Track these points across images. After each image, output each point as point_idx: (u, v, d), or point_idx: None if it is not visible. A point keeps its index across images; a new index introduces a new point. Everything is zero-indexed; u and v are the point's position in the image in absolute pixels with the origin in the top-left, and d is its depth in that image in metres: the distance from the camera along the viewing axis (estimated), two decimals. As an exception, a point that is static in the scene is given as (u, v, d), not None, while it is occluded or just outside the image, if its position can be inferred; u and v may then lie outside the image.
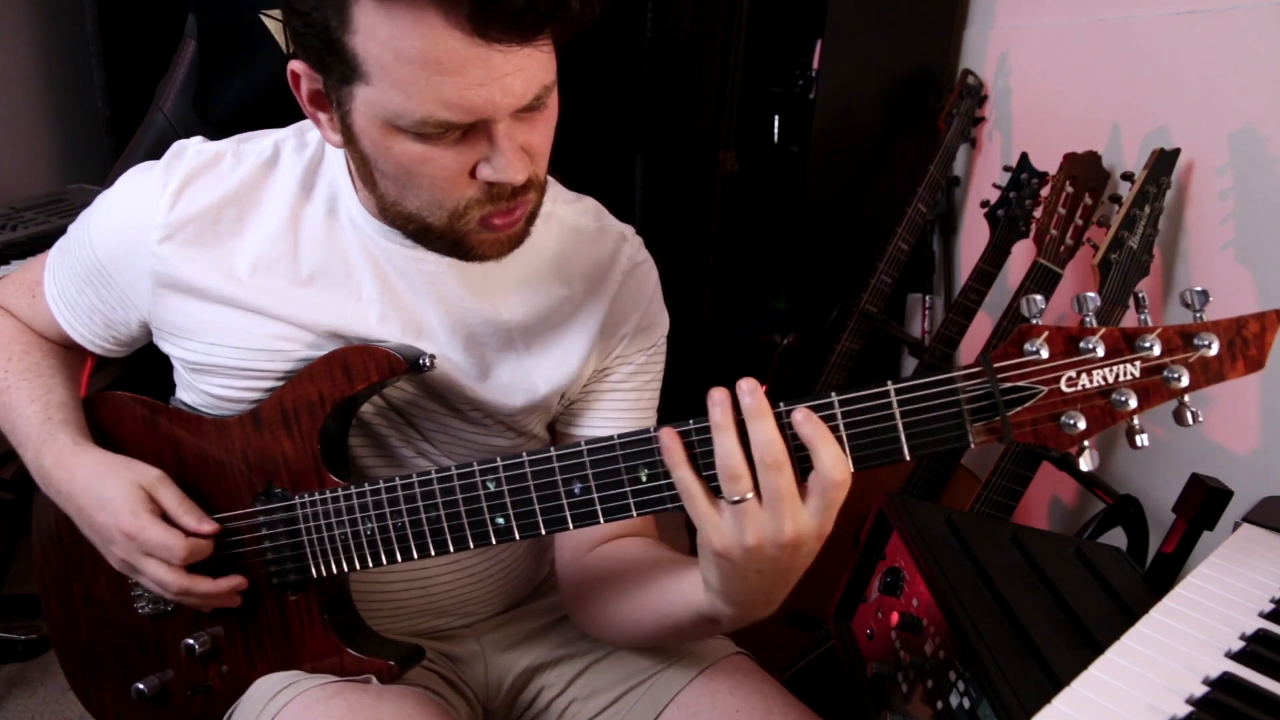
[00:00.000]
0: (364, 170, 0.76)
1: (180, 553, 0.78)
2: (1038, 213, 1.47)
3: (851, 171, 2.01)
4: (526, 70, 0.67)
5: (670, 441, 0.65)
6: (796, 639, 1.57)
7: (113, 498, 0.80)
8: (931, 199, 1.79)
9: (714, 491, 0.65)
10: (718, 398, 0.63)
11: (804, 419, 0.62)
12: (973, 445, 0.62)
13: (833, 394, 0.63)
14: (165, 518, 0.81)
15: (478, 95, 0.66)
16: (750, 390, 0.63)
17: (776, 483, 0.62)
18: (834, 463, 0.62)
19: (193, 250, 0.82)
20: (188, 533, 0.80)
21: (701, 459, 0.66)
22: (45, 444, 0.85)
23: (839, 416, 0.63)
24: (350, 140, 0.74)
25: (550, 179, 0.92)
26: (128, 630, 0.90)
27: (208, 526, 0.81)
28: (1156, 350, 0.59)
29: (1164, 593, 0.69)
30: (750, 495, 0.63)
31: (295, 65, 0.74)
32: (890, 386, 0.62)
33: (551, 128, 0.76)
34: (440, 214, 0.74)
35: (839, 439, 0.63)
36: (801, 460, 0.63)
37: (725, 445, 0.63)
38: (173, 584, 0.80)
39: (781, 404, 0.64)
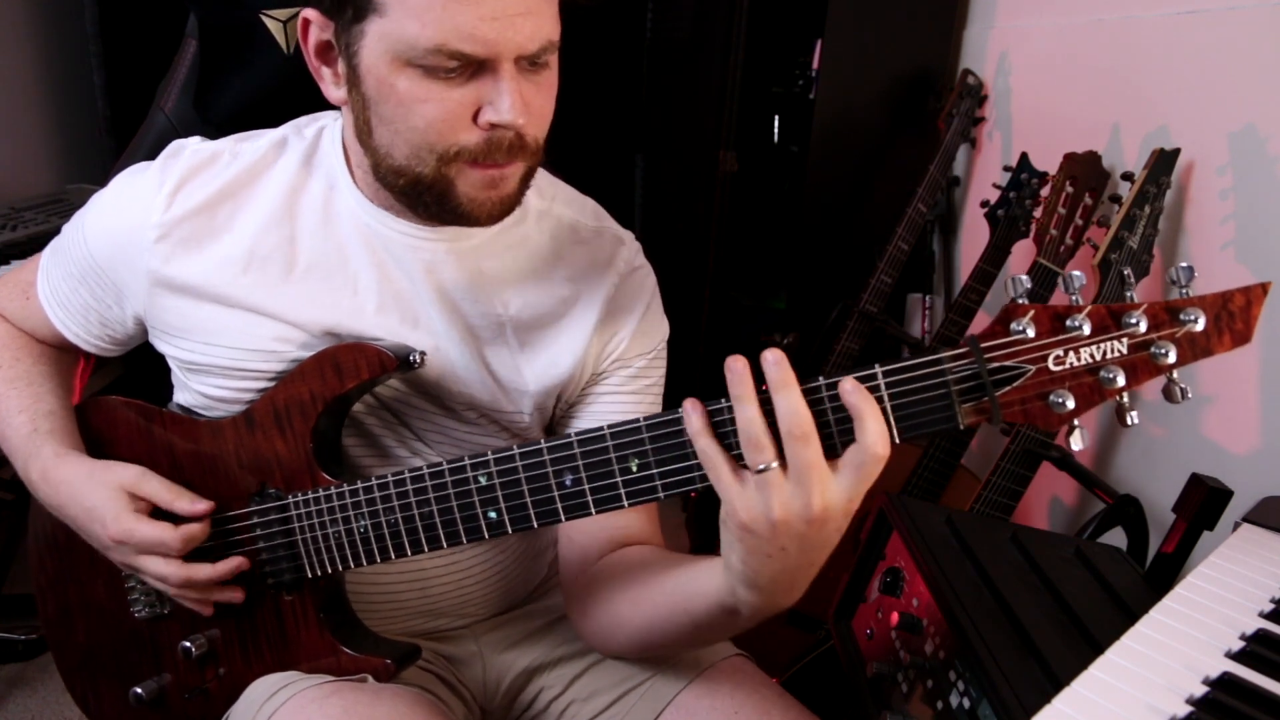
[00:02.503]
0: (362, 120, 0.76)
1: (175, 544, 0.78)
2: (1038, 213, 1.46)
3: (851, 171, 2.00)
4: (535, 15, 0.70)
5: (692, 410, 0.64)
6: (796, 639, 1.57)
7: (95, 506, 0.80)
8: (931, 199, 1.79)
9: (738, 463, 0.64)
10: (737, 369, 0.62)
11: (852, 389, 0.61)
12: (961, 426, 0.62)
13: (820, 379, 0.63)
14: (158, 511, 0.81)
15: (490, 28, 0.68)
16: (776, 361, 0.61)
17: (803, 454, 0.60)
18: (878, 436, 0.60)
19: (189, 249, 0.82)
20: (183, 519, 0.80)
21: (724, 436, 0.64)
22: (31, 457, 0.85)
23: (825, 401, 0.63)
24: (354, 85, 0.75)
25: (554, 178, 0.92)
26: (124, 634, 0.90)
27: (201, 505, 0.80)
28: (1143, 327, 0.59)
29: (1164, 593, 0.69)
30: (775, 464, 0.61)
31: (307, 13, 0.76)
32: (878, 369, 0.62)
33: (552, 95, 0.77)
34: (430, 159, 0.74)
35: (827, 423, 0.62)
36: (826, 436, 0.62)
37: (747, 414, 0.62)
38: (174, 576, 0.79)
39: (820, 379, 0.62)
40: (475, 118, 0.73)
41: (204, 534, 0.81)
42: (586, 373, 0.90)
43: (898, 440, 0.63)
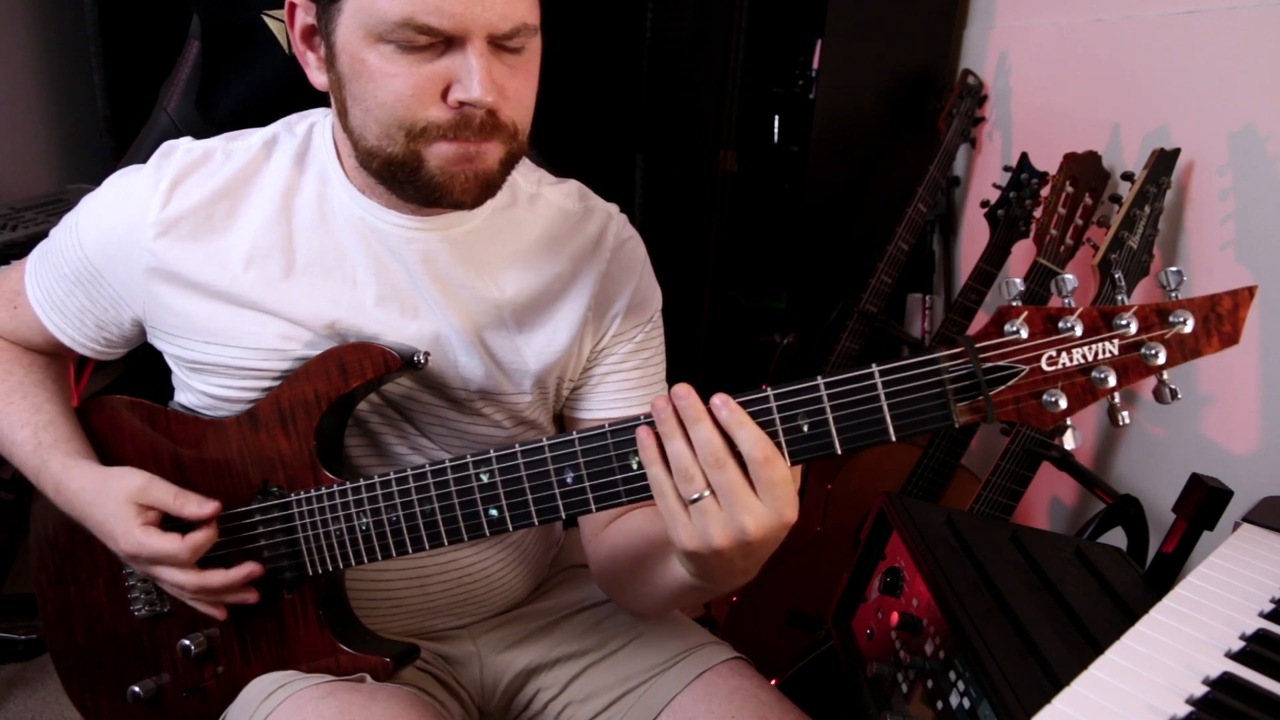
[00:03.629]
0: (339, 102, 0.77)
1: (184, 555, 0.79)
2: (1038, 213, 1.46)
3: (851, 171, 2.00)
4: None
5: (646, 438, 0.66)
6: (796, 639, 1.57)
7: (106, 520, 0.81)
8: (931, 199, 1.79)
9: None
10: (660, 405, 0.65)
11: (721, 404, 0.64)
12: (957, 424, 0.63)
13: (818, 377, 0.64)
14: (168, 518, 0.81)
15: (458, 3, 0.69)
16: (684, 395, 0.65)
17: (723, 479, 0.63)
18: (753, 441, 0.63)
19: (188, 245, 0.82)
20: (191, 522, 0.80)
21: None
22: (41, 472, 0.86)
23: (825, 399, 0.64)
24: (331, 65, 0.76)
25: (533, 164, 0.93)
26: (123, 633, 0.90)
27: (209, 508, 0.81)
28: (1133, 328, 0.60)
29: (1164, 593, 0.69)
30: (706, 493, 0.64)
31: None
32: (875, 368, 0.63)
33: (530, 82, 0.78)
34: (399, 135, 0.74)
35: (824, 421, 0.64)
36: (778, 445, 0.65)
37: (675, 448, 0.65)
38: (189, 584, 0.81)
39: (713, 398, 0.65)
40: (445, 96, 0.73)
41: (211, 540, 0.81)
42: (586, 349, 0.90)
43: (894, 438, 0.64)
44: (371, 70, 0.72)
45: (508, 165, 0.79)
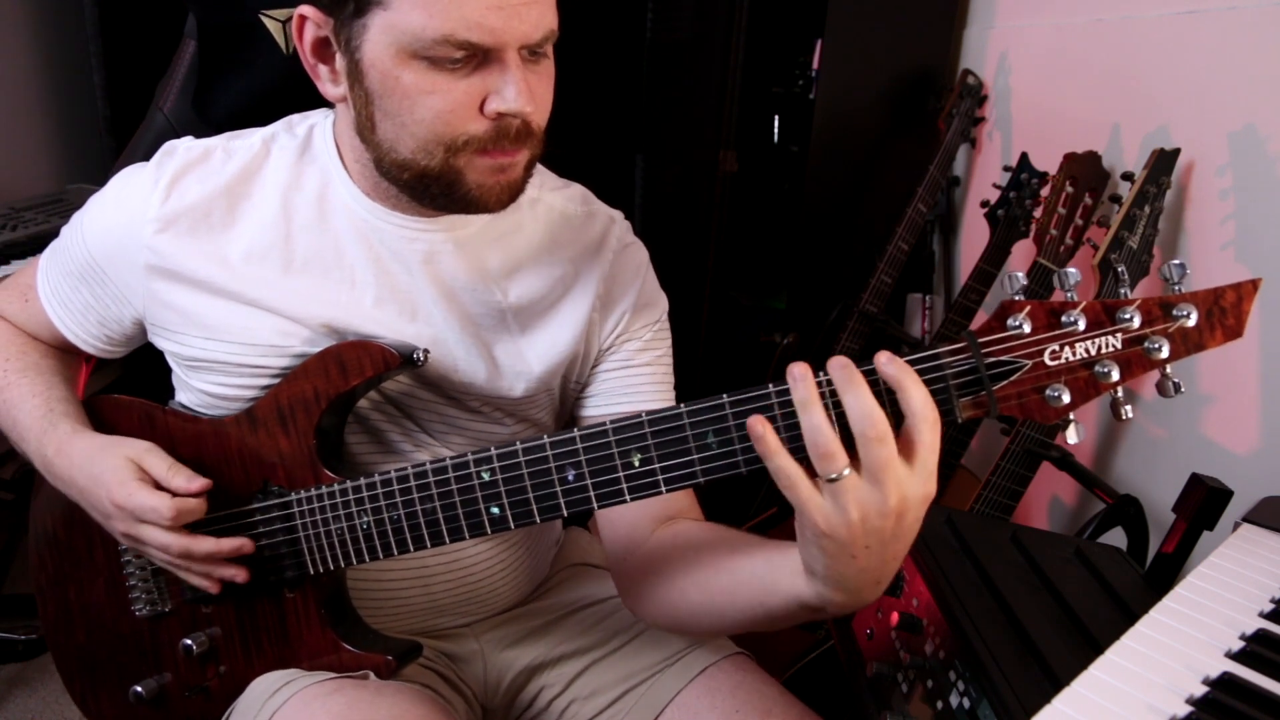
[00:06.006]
0: (364, 116, 0.76)
1: (167, 513, 0.77)
2: (1038, 213, 1.47)
3: (851, 171, 2.00)
4: (539, 4, 0.72)
5: (763, 430, 0.62)
6: (797, 639, 1.57)
7: (103, 473, 0.80)
8: (931, 199, 1.79)
9: (810, 472, 0.62)
10: (798, 373, 0.61)
11: (888, 360, 0.61)
12: (959, 419, 0.62)
13: (820, 374, 0.63)
14: (159, 487, 0.80)
15: (497, 17, 0.69)
16: (842, 365, 0.61)
17: (880, 454, 0.59)
18: (923, 401, 0.59)
19: (186, 241, 0.82)
20: (178, 494, 0.79)
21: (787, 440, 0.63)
22: (47, 434, 0.85)
23: (827, 395, 0.63)
24: (356, 81, 0.75)
25: (539, 166, 0.93)
26: (125, 633, 0.90)
27: (197, 484, 0.79)
28: (1136, 322, 0.60)
29: (1164, 593, 0.69)
30: (848, 471, 0.60)
31: (304, 9, 0.76)
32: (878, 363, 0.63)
33: (552, 83, 0.79)
34: (437, 150, 0.75)
35: (829, 418, 0.62)
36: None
37: (814, 421, 0.60)
38: (174, 545, 0.78)
39: (876, 356, 0.61)
40: (481, 108, 0.73)
41: (199, 509, 0.79)
42: (593, 350, 0.90)
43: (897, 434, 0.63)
44: (407, 88, 0.72)
45: (530, 168, 0.80)
